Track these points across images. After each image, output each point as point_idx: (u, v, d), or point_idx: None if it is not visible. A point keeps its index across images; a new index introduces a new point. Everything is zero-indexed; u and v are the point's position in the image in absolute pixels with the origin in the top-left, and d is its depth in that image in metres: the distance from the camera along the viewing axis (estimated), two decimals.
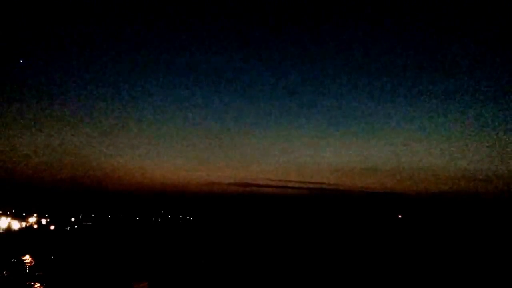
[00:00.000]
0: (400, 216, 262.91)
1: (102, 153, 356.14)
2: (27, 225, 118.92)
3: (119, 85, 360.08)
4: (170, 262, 58.75)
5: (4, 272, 47.78)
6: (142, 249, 77.54)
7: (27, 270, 50.57)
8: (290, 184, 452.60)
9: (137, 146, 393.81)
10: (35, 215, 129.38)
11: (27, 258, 61.17)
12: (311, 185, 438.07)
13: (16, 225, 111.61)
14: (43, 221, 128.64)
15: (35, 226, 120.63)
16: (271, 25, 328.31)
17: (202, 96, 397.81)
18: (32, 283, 42.01)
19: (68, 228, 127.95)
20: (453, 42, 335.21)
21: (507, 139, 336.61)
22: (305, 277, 50.06)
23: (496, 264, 64.33)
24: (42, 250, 70.67)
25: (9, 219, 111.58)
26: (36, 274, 47.39)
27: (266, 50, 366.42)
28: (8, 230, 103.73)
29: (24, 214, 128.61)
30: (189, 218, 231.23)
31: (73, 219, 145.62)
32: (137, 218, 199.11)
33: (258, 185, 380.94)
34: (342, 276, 50.85)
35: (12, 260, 58.14)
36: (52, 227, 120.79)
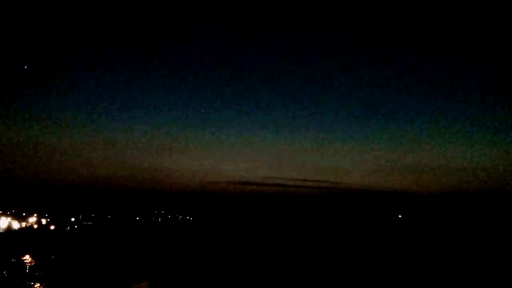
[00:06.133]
0: (400, 216, 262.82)
1: (102, 153, 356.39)
2: (27, 225, 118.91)
3: (114, 87, 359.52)
4: (170, 262, 58.72)
5: (4, 272, 47.77)
6: (142, 249, 77.54)
7: (27, 270, 50.55)
8: (290, 183, 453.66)
9: (137, 147, 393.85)
10: (35, 215, 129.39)
11: (27, 258, 61.15)
12: (311, 184, 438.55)
13: (16, 225, 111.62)
14: (43, 221, 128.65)
15: (35, 226, 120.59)
16: (272, 26, 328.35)
17: (201, 96, 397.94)
18: (32, 283, 41.99)
19: (68, 228, 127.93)
20: (453, 43, 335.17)
21: (507, 139, 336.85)
22: (305, 276, 50.04)
23: (496, 263, 64.27)
24: (42, 250, 70.64)
25: (9, 219, 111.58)
26: (36, 274, 47.36)
27: (266, 50, 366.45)
28: (8, 230, 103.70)
29: (24, 214, 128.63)
30: (189, 218, 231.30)
31: (73, 219, 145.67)
32: (137, 218, 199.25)
33: (258, 184, 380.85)
34: (342, 276, 50.83)
35: (12, 260, 58.12)
36: (52, 227, 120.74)
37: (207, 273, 50.52)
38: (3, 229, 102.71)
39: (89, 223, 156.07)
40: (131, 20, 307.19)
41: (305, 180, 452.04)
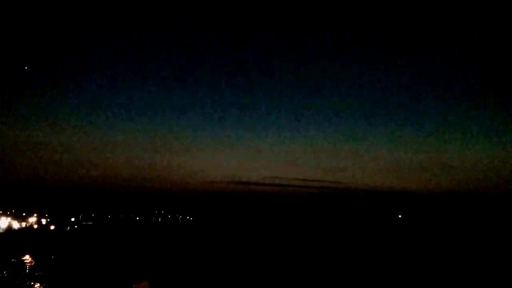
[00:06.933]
0: (400, 216, 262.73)
1: (102, 153, 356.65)
2: (27, 225, 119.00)
3: (114, 87, 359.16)
4: (170, 262, 58.75)
5: (4, 272, 47.79)
6: (142, 249, 77.56)
7: (27, 270, 50.58)
8: (290, 183, 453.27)
9: (136, 146, 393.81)
10: (35, 215, 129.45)
11: (27, 258, 61.18)
12: (311, 184, 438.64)
13: (16, 225, 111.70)
14: (43, 221, 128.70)
15: (35, 226, 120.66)
16: (271, 26, 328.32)
17: (201, 96, 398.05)
18: (32, 283, 42.02)
19: (68, 228, 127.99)
20: (453, 42, 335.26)
21: (507, 139, 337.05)
22: (304, 276, 50.06)
23: (496, 263, 64.28)
24: (42, 250, 70.67)
25: (9, 219, 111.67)
26: (36, 274, 47.40)
27: (267, 50, 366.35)
28: (8, 230, 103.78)
29: (24, 214, 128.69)
30: (189, 218, 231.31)
31: (73, 219, 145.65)
32: (137, 218, 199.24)
33: (258, 184, 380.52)
34: (342, 276, 50.86)
35: (12, 260, 58.15)
36: (52, 227, 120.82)
37: (207, 273, 50.55)
38: (3, 229, 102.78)
39: (89, 223, 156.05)
40: (131, 20, 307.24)
41: (305, 180, 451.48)
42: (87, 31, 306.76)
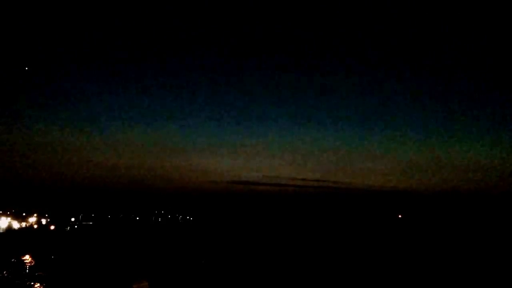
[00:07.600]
0: (400, 216, 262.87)
1: (102, 153, 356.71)
2: (27, 225, 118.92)
3: (114, 87, 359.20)
4: (170, 262, 58.75)
5: (4, 272, 47.79)
6: (142, 249, 77.57)
7: (27, 270, 50.59)
8: (290, 183, 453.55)
9: (137, 147, 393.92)
10: (35, 215, 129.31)
11: (27, 258, 61.20)
12: (311, 184, 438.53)
13: (16, 225, 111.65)
14: (43, 221, 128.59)
15: (35, 226, 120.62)
16: (271, 31, 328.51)
17: (201, 96, 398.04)
18: (32, 283, 42.02)
19: (68, 228, 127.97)
20: (452, 42, 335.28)
21: (507, 139, 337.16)
22: (304, 276, 50.06)
23: (496, 263, 64.26)
24: (42, 250, 70.68)
25: (9, 219, 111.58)
26: (36, 274, 47.40)
27: (267, 51, 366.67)
28: (8, 230, 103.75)
29: (24, 214, 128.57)
30: (189, 218, 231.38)
31: (73, 219, 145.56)
32: (137, 218, 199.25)
33: (258, 184, 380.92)
34: (342, 276, 50.85)
35: (12, 260, 58.16)
36: (52, 227, 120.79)
37: (207, 273, 50.55)
38: (3, 229, 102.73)
39: (89, 223, 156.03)
40: (132, 22, 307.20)
41: (305, 180, 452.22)
42: (88, 33, 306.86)
